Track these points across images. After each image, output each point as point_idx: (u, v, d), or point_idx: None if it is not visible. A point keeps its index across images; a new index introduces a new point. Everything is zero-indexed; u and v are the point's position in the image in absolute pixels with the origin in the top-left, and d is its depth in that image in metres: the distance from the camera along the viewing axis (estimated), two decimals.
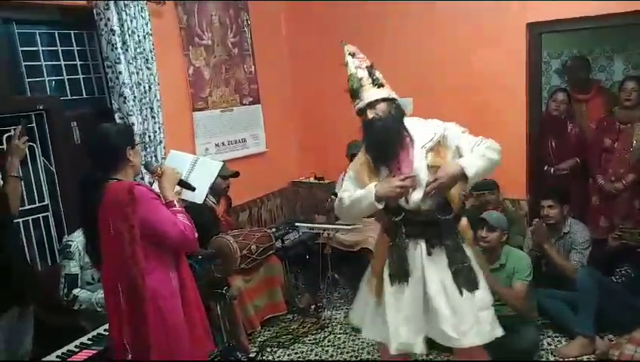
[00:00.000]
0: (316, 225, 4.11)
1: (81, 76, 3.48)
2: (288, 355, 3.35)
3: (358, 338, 3.45)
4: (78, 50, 3.46)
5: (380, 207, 2.20)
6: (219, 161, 3.42)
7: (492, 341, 2.21)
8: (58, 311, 2.84)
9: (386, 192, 2.15)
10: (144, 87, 3.40)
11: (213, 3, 4.19)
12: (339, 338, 3.51)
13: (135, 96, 3.34)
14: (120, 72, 3.24)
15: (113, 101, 3.30)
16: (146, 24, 3.40)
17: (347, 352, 3.33)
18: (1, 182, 2.55)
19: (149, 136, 3.44)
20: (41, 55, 3.27)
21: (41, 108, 3.14)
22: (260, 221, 4.72)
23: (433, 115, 2.37)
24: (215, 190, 3.52)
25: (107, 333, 2.33)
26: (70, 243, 2.87)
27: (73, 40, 3.43)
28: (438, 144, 2.21)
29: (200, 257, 2.96)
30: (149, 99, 3.44)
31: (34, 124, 3.15)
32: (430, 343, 2.29)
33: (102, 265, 2.03)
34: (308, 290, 4.02)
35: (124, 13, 3.24)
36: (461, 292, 2.18)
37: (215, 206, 3.68)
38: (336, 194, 4.42)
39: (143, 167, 2.27)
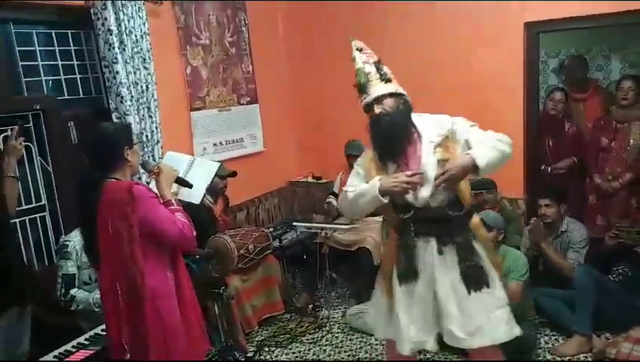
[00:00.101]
0: (314, 225, 4.12)
1: (78, 76, 3.48)
2: (286, 355, 3.35)
3: (356, 338, 3.46)
4: (75, 49, 3.46)
5: (385, 201, 2.15)
6: (216, 160, 3.43)
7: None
8: (55, 311, 2.84)
9: (391, 187, 2.11)
10: (141, 87, 3.40)
11: (211, 3, 4.19)
12: (336, 337, 3.51)
13: (132, 96, 3.34)
14: (117, 72, 3.24)
15: (110, 101, 3.29)
16: (144, 24, 3.40)
17: (345, 351, 3.33)
18: None
19: (147, 136, 3.44)
20: (39, 55, 3.26)
21: (38, 108, 3.13)
22: (257, 220, 4.72)
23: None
24: (213, 190, 3.52)
25: (104, 333, 2.33)
26: (67, 243, 2.87)
27: (70, 40, 3.43)
28: (446, 139, 2.17)
29: (197, 257, 2.96)
30: (147, 99, 3.44)
31: (31, 124, 3.15)
32: (442, 343, 2.25)
33: (100, 264, 2.03)
34: (305, 290, 4.03)
35: (121, 13, 3.24)
36: (469, 291, 2.14)
37: (212, 205, 3.68)
38: (334, 194, 4.46)
39: (141, 166, 2.27)
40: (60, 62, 3.38)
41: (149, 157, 3.41)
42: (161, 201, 2.10)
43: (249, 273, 3.58)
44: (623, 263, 3.19)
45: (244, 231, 3.66)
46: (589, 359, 2.97)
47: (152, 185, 2.30)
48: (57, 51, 3.36)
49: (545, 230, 3.32)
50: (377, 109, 2.16)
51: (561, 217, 3.40)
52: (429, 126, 2.21)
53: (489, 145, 2.10)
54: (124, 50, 3.27)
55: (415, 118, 2.22)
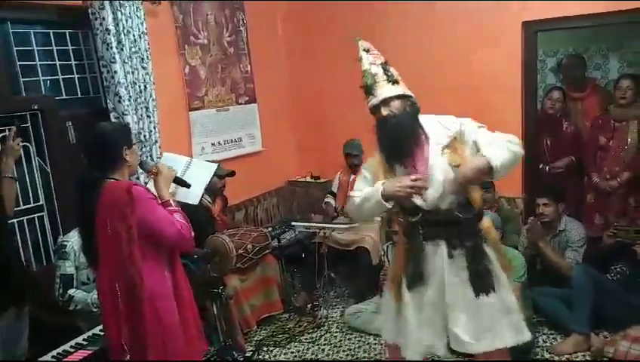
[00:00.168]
0: (312, 224, 4.12)
1: (76, 76, 3.48)
2: (284, 354, 3.35)
3: (355, 337, 3.46)
4: (73, 49, 3.46)
5: (388, 206, 2.12)
6: (214, 161, 3.44)
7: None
8: (54, 312, 2.84)
9: (395, 191, 2.07)
10: (139, 87, 3.40)
11: (209, 2, 4.19)
12: (335, 336, 3.51)
13: (130, 96, 3.34)
14: (115, 72, 3.24)
15: (108, 100, 3.29)
16: (142, 23, 3.39)
17: (343, 351, 3.33)
18: None
19: (145, 136, 3.44)
20: (36, 55, 3.26)
21: (35, 108, 3.13)
22: (256, 220, 4.72)
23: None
24: (211, 189, 3.52)
25: (103, 334, 2.33)
26: (65, 243, 2.87)
27: (68, 39, 3.43)
28: (454, 140, 2.12)
29: (196, 257, 2.96)
30: (145, 99, 3.43)
31: (29, 124, 3.15)
32: (450, 348, 2.21)
33: (98, 265, 2.03)
34: (304, 289, 4.03)
35: (119, 13, 3.24)
36: (477, 296, 2.10)
37: (211, 205, 3.68)
38: (332, 193, 4.46)
39: (139, 166, 2.27)
40: (57, 62, 3.38)
41: (147, 157, 3.41)
42: (160, 202, 2.10)
43: (248, 273, 3.58)
44: (621, 262, 3.19)
45: (243, 230, 3.66)
46: (587, 358, 2.98)
47: (150, 185, 2.30)
48: (55, 51, 3.36)
49: (543, 229, 3.33)
50: (384, 111, 2.12)
51: (559, 216, 3.40)
52: (436, 127, 2.16)
53: (501, 146, 2.06)
54: (122, 49, 3.27)
55: (422, 119, 2.18)
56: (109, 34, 3.19)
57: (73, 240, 2.83)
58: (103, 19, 3.17)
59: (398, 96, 2.13)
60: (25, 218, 3.13)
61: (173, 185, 2.31)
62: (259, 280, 3.67)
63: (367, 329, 3.46)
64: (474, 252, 2.12)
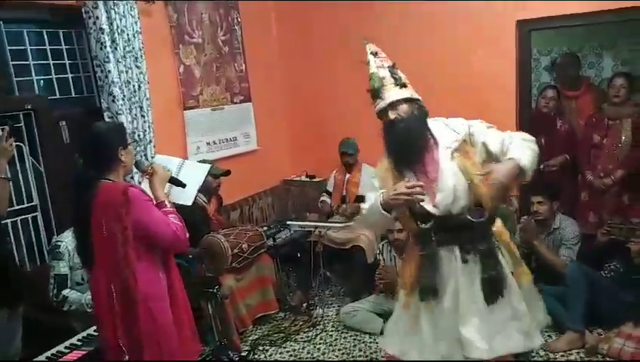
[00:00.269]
0: (308, 223, 4.12)
1: (69, 75, 3.46)
2: (280, 353, 3.35)
3: (350, 336, 3.46)
4: (66, 48, 3.44)
5: (389, 216, 2.07)
6: (207, 161, 3.43)
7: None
8: (48, 312, 2.83)
9: (392, 201, 2.02)
10: (133, 86, 3.39)
11: (203, 2, 4.18)
12: (331, 335, 3.51)
13: (124, 95, 3.32)
14: (109, 71, 3.22)
15: (102, 100, 3.28)
16: (136, 22, 3.38)
17: (339, 349, 3.33)
18: None
19: (139, 135, 3.42)
20: (30, 54, 3.24)
21: (29, 107, 3.12)
22: (251, 219, 4.72)
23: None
24: (206, 189, 3.52)
25: (97, 334, 2.32)
26: (59, 243, 2.86)
27: (62, 39, 3.41)
28: (464, 143, 2.08)
29: (191, 256, 2.96)
30: (139, 98, 3.42)
31: (22, 124, 3.13)
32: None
33: (92, 265, 2.02)
34: (300, 288, 4.02)
35: (113, 12, 3.22)
36: (488, 302, 2.06)
37: (206, 205, 3.67)
38: (327, 192, 4.46)
39: (134, 166, 2.26)
40: (51, 62, 3.36)
41: (141, 156, 3.40)
42: (155, 202, 2.10)
43: (243, 272, 3.57)
44: (615, 259, 3.20)
45: (238, 230, 3.65)
46: (582, 355, 2.99)
47: (144, 185, 2.30)
48: (49, 50, 3.35)
49: (537, 227, 3.34)
50: (392, 115, 2.07)
51: (554, 214, 3.41)
52: (444, 131, 2.13)
53: (521, 146, 2.02)
54: (115, 49, 3.26)
55: (430, 123, 2.14)
56: (102, 33, 3.18)
57: (67, 240, 2.82)
58: (97, 18, 3.16)
59: (406, 100, 2.09)
60: (19, 218, 3.12)
61: (167, 185, 2.31)
62: (254, 279, 3.66)
63: (363, 327, 3.47)
64: (487, 257, 2.08)
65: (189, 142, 4.08)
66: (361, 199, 3.98)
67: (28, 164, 3.16)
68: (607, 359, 2.90)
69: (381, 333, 3.35)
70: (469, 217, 2.07)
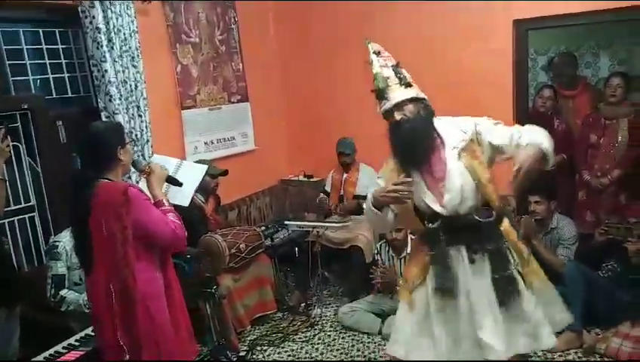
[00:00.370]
0: (305, 223, 4.12)
1: (66, 75, 3.45)
2: (278, 354, 3.35)
3: (348, 336, 3.46)
4: (63, 48, 3.43)
5: (380, 214, 2.07)
6: (204, 161, 3.42)
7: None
8: (45, 312, 2.82)
9: (381, 197, 2.03)
10: (130, 86, 3.38)
11: (200, 1, 4.16)
12: (329, 335, 3.51)
13: (121, 95, 3.31)
14: (106, 71, 3.21)
15: (99, 100, 3.27)
16: (132, 22, 3.37)
17: (337, 350, 3.33)
18: None
19: (136, 135, 3.41)
20: (26, 54, 3.23)
21: (25, 107, 3.11)
22: (249, 219, 4.71)
23: None
24: (204, 189, 3.51)
25: (94, 334, 2.32)
26: (57, 243, 2.85)
27: (58, 38, 3.40)
28: (471, 143, 2.06)
29: (188, 256, 2.95)
30: (136, 98, 3.41)
31: (19, 124, 3.12)
32: None
33: (90, 265, 2.02)
34: (298, 288, 4.02)
35: (109, 11, 3.21)
36: (501, 304, 2.04)
37: (204, 205, 3.66)
38: (325, 192, 4.46)
39: (132, 166, 2.25)
40: (47, 61, 3.35)
41: (138, 156, 3.39)
42: (153, 201, 2.10)
43: (241, 272, 3.57)
44: (613, 259, 3.21)
45: (236, 230, 3.64)
46: (579, 355, 2.99)
47: (141, 185, 2.29)
48: (45, 50, 3.34)
49: (535, 226, 3.34)
50: (398, 116, 2.05)
51: (551, 214, 3.42)
52: (451, 130, 2.11)
53: (533, 131, 2.00)
54: (112, 48, 3.25)
55: (436, 122, 2.12)
56: (99, 32, 3.17)
57: (65, 240, 2.81)
58: (93, 17, 3.15)
59: (412, 100, 2.07)
60: (16, 218, 3.11)
61: (165, 184, 2.31)
62: (252, 279, 3.66)
63: (361, 328, 3.47)
64: (497, 257, 2.06)
65: (186, 142, 4.07)
66: (359, 199, 4.01)
67: (25, 164, 3.15)
68: (605, 359, 2.91)
69: (379, 333, 3.38)
70: (477, 217, 2.06)
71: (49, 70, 3.35)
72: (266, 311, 3.74)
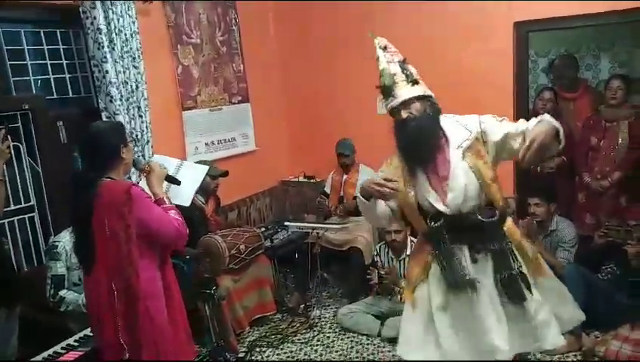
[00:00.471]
0: (305, 225, 4.11)
1: (67, 75, 3.46)
2: (277, 355, 3.35)
3: (347, 337, 3.46)
4: (64, 48, 3.43)
5: (366, 203, 2.07)
6: (205, 162, 3.42)
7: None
8: (45, 313, 2.82)
9: (367, 187, 2.04)
10: (131, 86, 3.38)
11: (201, 2, 4.17)
12: (328, 337, 3.51)
13: (122, 95, 3.32)
14: (107, 71, 3.22)
15: (100, 100, 3.27)
16: (133, 22, 3.38)
17: (336, 351, 3.33)
18: None
19: (137, 136, 3.42)
20: (27, 54, 3.24)
21: (26, 107, 3.11)
22: (249, 220, 4.71)
23: None
24: (204, 190, 3.51)
25: (93, 334, 2.32)
26: (57, 243, 2.85)
27: (59, 38, 3.41)
28: (476, 142, 2.05)
29: (188, 257, 2.95)
30: (137, 98, 3.42)
31: (19, 124, 3.12)
32: None
33: (92, 264, 2.02)
34: (297, 290, 4.02)
35: (110, 12, 3.22)
36: (504, 304, 2.03)
37: (204, 205, 3.66)
38: (325, 193, 4.46)
39: (132, 165, 2.26)
40: (48, 62, 3.36)
41: (139, 156, 3.39)
42: (154, 199, 2.11)
43: (240, 273, 3.56)
44: (612, 262, 3.20)
45: (236, 231, 3.65)
46: (578, 357, 2.99)
47: (142, 184, 2.30)
48: (46, 50, 3.34)
49: (535, 229, 3.34)
50: (404, 114, 2.03)
51: (551, 216, 3.42)
52: (455, 129, 2.09)
53: (541, 117, 1.98)
54: (113, 49, 3.25)
55: (441, 120, 2.11)
56: (100, 33, 3.17)
57: (64, 240, 2.81)
58: (95, 18, 3.15)
59: (419, 97, 2.05)
60: (15, 218, 3.11)
61: (165, 184, 2.31)
62: (252, 280, 3.66)
63: (360, 329, 3.47)
64: (500, 256, 2.05)
65: (187, 143, 4.07)
66: None
67: (25, 164, 3.16)
68: None
69: (378, 335, 3.38)
70: (480, 217, 2.04)
71: (50, 70, 3.36)
72: (265, 313, 3.74)
